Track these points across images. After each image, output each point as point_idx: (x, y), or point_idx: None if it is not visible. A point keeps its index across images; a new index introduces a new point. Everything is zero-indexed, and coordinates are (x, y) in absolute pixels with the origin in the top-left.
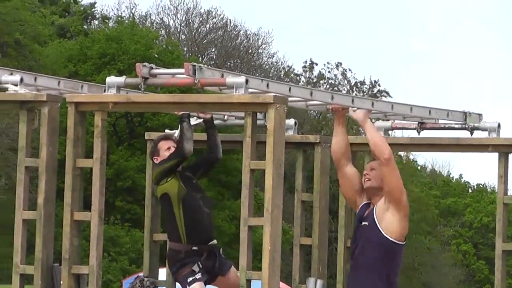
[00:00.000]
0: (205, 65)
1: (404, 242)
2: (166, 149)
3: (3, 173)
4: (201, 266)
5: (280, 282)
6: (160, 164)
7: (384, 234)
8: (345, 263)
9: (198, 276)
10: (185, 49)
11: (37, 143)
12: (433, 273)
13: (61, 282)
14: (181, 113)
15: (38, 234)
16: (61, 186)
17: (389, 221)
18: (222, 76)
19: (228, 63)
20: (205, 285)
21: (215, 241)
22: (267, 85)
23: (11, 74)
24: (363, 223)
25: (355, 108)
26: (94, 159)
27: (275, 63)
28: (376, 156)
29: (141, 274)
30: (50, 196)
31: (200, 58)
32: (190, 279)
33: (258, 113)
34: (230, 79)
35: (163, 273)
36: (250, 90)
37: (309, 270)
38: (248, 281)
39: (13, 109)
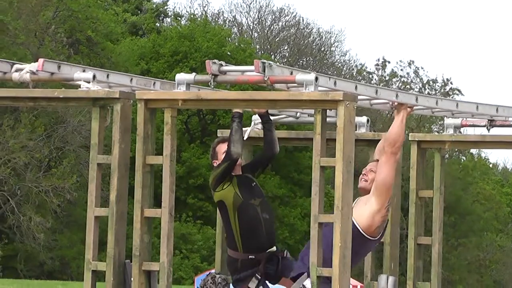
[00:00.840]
0: (275, 63)
1: (373, 239)
2: (223, 152)
3: (75, 171)
4: (259, 278)
5: (352, 279)
6: (215, 169)
7: (353, 221)
8: (416, 260)
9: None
10: (258, 47)
11: (109, 140)
12: (505, 271)
13: (132, 279)
14: (234, 110)
15: (110, 231)
16: (132, 183)
17: (363, 211)
18: (292, 73)
19: (301, 61)
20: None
21: (274, 248)
22: (335, 83)
23: (84, 71)
24: None
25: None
26: (164, 156)
27: (347, 61)
28: (386, 143)
29: (213, 271)
30: (122, 193)
31: (273, 56)
32: None
33: (330, 111)
34: (300, 76)
35: None
36: (320, 88)
37: (381, 267)
38: (319, 278)
39: (85, 106)
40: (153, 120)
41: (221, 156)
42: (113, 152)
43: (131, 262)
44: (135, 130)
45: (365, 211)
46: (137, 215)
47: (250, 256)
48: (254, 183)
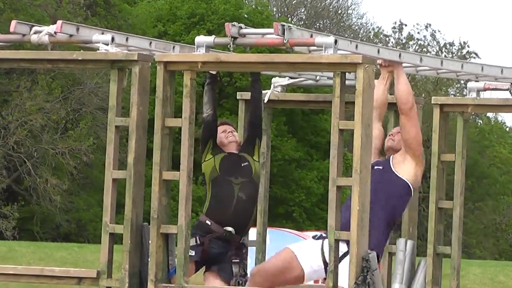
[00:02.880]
0: (294, 25)
1: (413, 193)
2: (221, 131)
3: (92, 133)
4: (199, 242)
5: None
6: None
7: (399, 175)
8: (437, 224)
9: (192, 252)
10: (274, 9)
11: (126, 102)
12: None
13: (150, 242)
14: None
15: (127, 193)
16: (149, 146)
17: (404, 168)
18: (311, 36)
19: (317, 24)
20: (196, 267)
21: (231, 229)
22: (356, 46)
23: (102, 33)
24: (376, 167)
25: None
26: (183, 119)
27: (364, 24)
28: (399, 103)
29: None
30: (140, 155)
31: (289, 18)
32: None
33: (349, 74)
34: (319, 39)
35: (253, 233)
36: (339, 51)
37: (399, 230)
38: (337, 241)
39: (103, 68)
40: (173, 82)
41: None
42: (131, 115)
43: (148, 224)
44: (153, 92)
45: (409, 168)
46: (156, 177)
47: (207, 221)
48: (245, 164)
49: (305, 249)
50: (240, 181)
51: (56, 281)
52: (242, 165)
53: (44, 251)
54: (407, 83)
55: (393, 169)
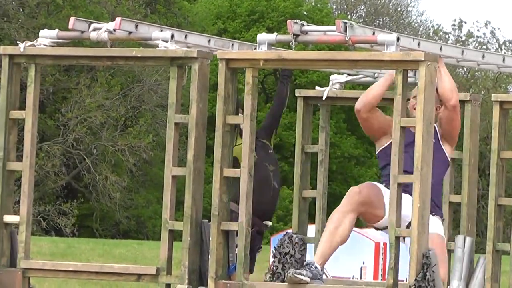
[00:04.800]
0: (356, 23)
1: None
2: None
3: (151, 130)
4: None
5: None
6: None
7: (447, 154)
8: (496, 221)
9: None
10: (334, 6)
11: (185, 100)
12: None
13: (210, 239)
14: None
15: (187, 190)
16: (208, 143)
17: (449, 149)
18: (373, 33)
19: (377, 21)
20: None
21: (270, 223)
22: (418, 44)
23: (161, 30)
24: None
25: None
26: (245, 116)
27: (424, 22)
28: (444, 100)
29: (289, 231)
30: (199, 152)
31: (349, 15)
32: None
33: (409, 71)
34: (382, 36)
35: (312, 230)
36: (400, 48)
37: (458, 227)
38: (397, 239)
39: (163, 66)
40: (234, 80)
41: None
42: (190, 112)
43: (208, 221)
44: (212, 90)
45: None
46: (217, 174)
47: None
48: (271, 151)
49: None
50: (273, 168)
51: (116, 278)
52: (269, 152)
53: (103, 248)
54: (451, 79)
55: (442, 145)
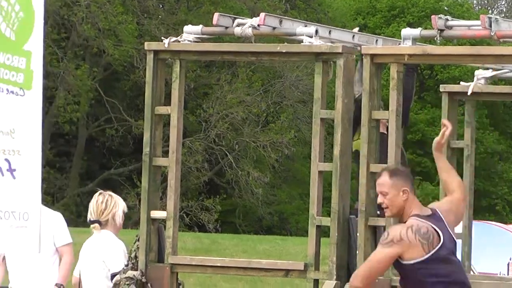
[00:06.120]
0: (501, 17)
1: None
2: None
3: (293, 126)
4: None
5: None
6: None
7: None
8: None
9: None
10: (475, 1)
11: (329, 96)
12: None
13: (358, 234)
14: None
15: (334, 186)
16: None
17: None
18: None
19: None
20: None
21: None
22: None
23: (305, 26)
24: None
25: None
26: (390, 111)
27: None
28: (461, 192)
29: None
30: (345, 148)
31: (490, 11)
32: None
33: None
34: None
35: (459, 226)
36: None
37: None
38: None
39: (306, 61)
40: (379, 75)
41: None
42: (336, 107)
43: (356, 217)
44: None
45: None
46: (363, 170)
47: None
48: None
49: None
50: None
51: (263, 274)
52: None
53: (247, 244)
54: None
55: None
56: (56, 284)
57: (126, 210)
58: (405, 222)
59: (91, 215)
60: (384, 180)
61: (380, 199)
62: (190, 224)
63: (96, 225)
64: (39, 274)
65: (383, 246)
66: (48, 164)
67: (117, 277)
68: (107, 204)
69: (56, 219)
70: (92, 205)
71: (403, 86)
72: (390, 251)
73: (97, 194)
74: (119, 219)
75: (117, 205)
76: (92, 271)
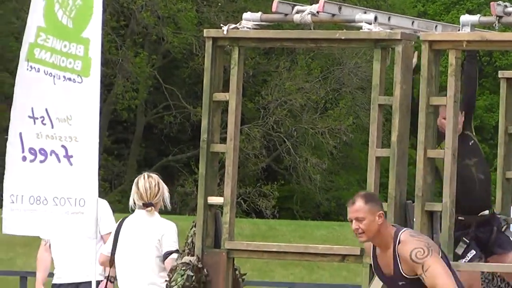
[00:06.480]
0: None
1: None
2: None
3: (351, 112)
4: (467, 242)
5: None
6: None
7: None
8: None
9: (471, 254)
10: None
11: (387, 82)
12: None
13: (414, 220)
14: None
15: (391, 171)
16: None
17: None
18: None
19: None
20: (480, 260)
21: (486, 212)
22: None
23: (365, 12)
24: None
25: None
26: (448, 97)
27: None
28: None
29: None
30: (403, 134)
31: None
32: (463, 260)
33: None
34: None
35: None
36: None
37: None
38: None
39: (365, 48)
40: (437, 61)
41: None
42: (394, 93)
43: (412, 202)
44: (417, 71)
45: None
46: (420, 155)
47: (459, 217)
48: (472, 142)
49: None
50: (474, 162)
51: (320, 259)
52: (470, 143)
53: (304, 230)
54: None
55: None
56: (105, 277)
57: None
58: (387, 243)
59: (142, 199)
60: (359, 206)
61: (355, 225)
62: (248, 210)
63: (152, 208)
64: (84, 261)
65: (434, 254)
66: (106, 151)
67: (174, 263)
68: (159, 186)
69: (102, 206)
70: (145, 188)
71: (468, 73)
72: (438, 257)
73: (145, 177)
74: (168, 200)
75: (164, 187)
76: (145, 251)
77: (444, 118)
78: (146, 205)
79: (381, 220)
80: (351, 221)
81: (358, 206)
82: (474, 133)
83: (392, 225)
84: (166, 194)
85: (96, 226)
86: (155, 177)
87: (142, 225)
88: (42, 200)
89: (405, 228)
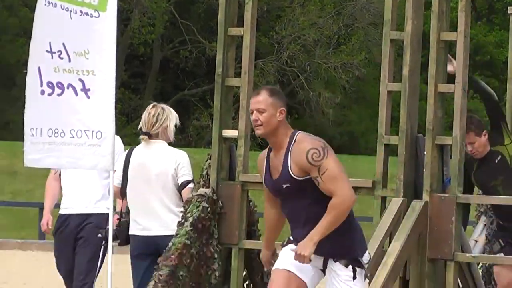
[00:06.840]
0: None
1: None
2: None
3: (364, 47)
4: (502, 244)
5: None
6: None
7: None
8: None
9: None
10: None
11: (399, 17)
12: None
13: (425, 153)
14: None
15: (402, 105)
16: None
17: None
18: None
19: None
20: None
21: None
22: None
23: None
24: None
25: None
26: (458, 32)
27: None
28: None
29: None
30: (414, 68)
31: None
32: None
33: None
34: None
35: None
36: None
37: None
38: None
39: None
40: None
41: None
42: (406, 28)
43: (423, 136)
44: (428, 7)
45: None
46: (431, 90)
47: (500, 222)
48: (499, 158)
49: None
50: (500, 181)
51: None
52: (496, 161)
53: None
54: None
55: None
56: (117, 212)
57: (178, 123)
58: (281, 142)
59: (143, 126)
60: (263, 98)
61: (254, 116)
62: (262, 143)
63: (145, 137)
64: (95, 193)
65: (330, 157)
66: (123, 85)
67: (189, 195)
68: (158, 118)
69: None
70: (144, 117)
71: (483, 89)
72: (334, 157)
73: (150, 106)
74: (171, 133)
75: (169, 119)
76: (161, 180)
77: (470, 143)
78: (143, 134)
79: (281, 116)
80: (252, 112)
81: (261, 98)
82: (510, 138)
83: (292, 128)
84: (170, 126)
85: (113, 158)
86: (158, 107)
87: (153, 155)
88: (60, 132)
89: (302, 131)
